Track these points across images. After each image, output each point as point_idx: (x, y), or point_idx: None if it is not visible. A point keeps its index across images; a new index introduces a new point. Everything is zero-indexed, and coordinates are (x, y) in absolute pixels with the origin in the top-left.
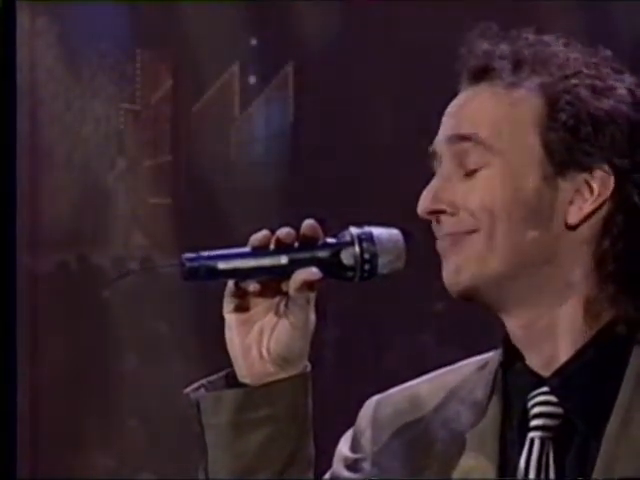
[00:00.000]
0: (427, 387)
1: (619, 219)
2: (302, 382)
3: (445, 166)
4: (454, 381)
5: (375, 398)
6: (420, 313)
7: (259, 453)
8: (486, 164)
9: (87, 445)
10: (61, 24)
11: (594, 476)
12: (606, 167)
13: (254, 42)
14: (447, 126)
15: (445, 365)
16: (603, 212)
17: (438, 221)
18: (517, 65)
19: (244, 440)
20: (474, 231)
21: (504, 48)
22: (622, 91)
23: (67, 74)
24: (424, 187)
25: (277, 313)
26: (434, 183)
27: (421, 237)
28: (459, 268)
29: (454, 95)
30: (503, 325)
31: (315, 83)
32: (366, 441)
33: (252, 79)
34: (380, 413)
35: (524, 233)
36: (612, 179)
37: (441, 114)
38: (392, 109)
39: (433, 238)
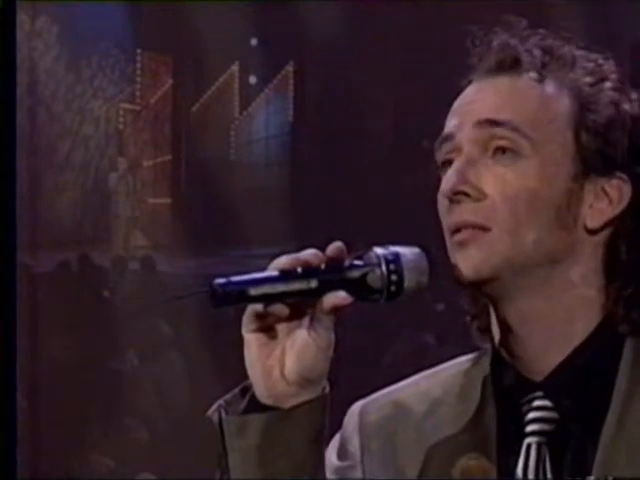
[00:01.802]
0: (412, 391)
1: (632, 226)
2: (324, 403)
3: (468, 150)
4: (440, 385)
5: (359, 403)
6: (420, 313)
7: (284, 471)
8: (518, 152)
9: (87, 445)
10: (61, 24)
11: (592, 478)
12: (624, 175)
13: (254, 42)
14: (474, 111)
15: None
16: (619, 217)
17: (459, 202)
18: (546, 62)
19: (269, 461)
20: (495, 226)
21: (532, 43)
22: (637, 100)
23: (67, 74)
24: (423, 186)
25: (300, 334)
26: (459, 165)
27: (421, 238)
28: (481, 262)
29: (458, 85)
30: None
31: (315, 83)
32: (354, 448)
33: (252, 79)
34: (366, 419)
35: (548, 232)
36: (629, 187)
37: (441, 114)
38: (392, 109)
39: (433, 239)
